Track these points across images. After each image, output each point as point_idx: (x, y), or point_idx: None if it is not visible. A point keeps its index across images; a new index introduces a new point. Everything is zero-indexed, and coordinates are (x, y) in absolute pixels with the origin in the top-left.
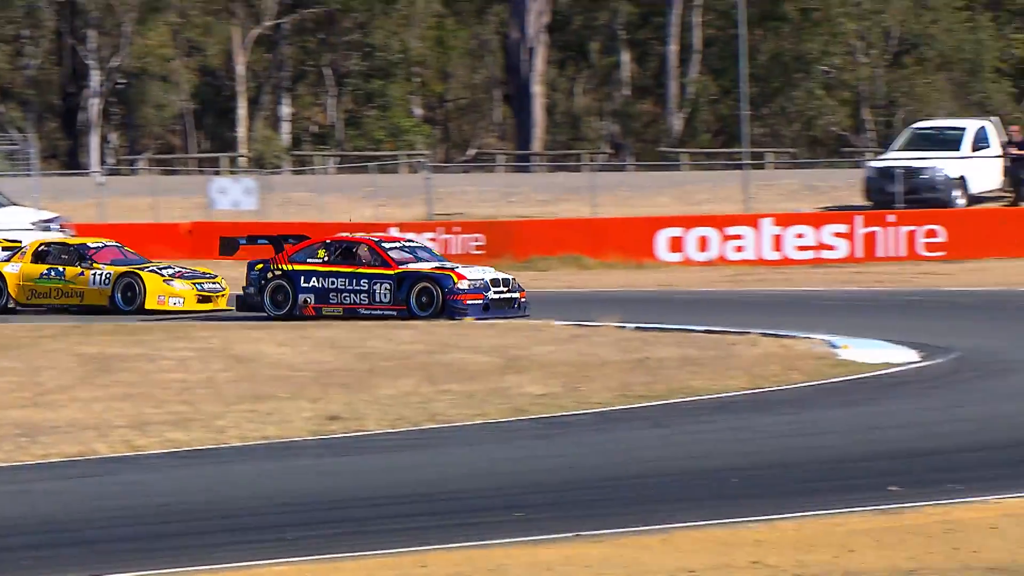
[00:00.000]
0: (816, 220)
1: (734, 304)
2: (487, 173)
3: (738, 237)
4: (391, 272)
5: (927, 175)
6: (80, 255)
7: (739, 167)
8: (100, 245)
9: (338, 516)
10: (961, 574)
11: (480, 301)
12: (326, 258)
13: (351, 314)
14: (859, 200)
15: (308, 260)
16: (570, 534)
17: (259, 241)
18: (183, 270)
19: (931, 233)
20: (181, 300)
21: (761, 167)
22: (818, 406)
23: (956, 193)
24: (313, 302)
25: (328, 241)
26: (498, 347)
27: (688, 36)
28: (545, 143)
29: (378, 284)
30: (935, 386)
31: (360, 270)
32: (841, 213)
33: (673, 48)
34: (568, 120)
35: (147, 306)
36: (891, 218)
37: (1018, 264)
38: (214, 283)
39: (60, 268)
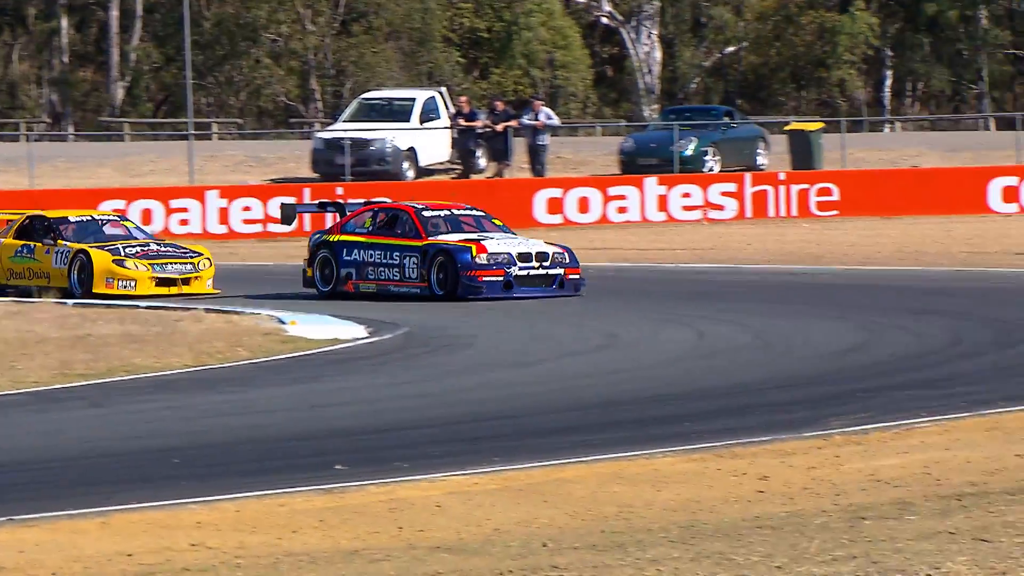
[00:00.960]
0: (263, 193)
1: None
2: None
3: (183, 210)
4: (419, 244)
5: (376, 146)
6: (50, 229)
7: (184, 138)
8: (85, 219)
9: None
10: (406, 553)
11: (499, 278)
12: (370, 228)
13: (383, 292)
14: (307, 172)
15: (356, 230)
16: (2, 518)
17: (327, 208)
18: (159, 248)
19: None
20: (132, 283)
21: (208, 138)
22: (263, 383)
23: (405, 165)
24: (353, 277)
25: (376, 208)
26: None
27: (130, 1)
28: None
29: (408, 258)
30: (383, 362)
31: (393, 242)
32: (289, 185)
33: (115, 14)
34: (5, 88)
35: (95, 289)
36: (339, 190)
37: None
38: (185, 263)
39: (32, 245)
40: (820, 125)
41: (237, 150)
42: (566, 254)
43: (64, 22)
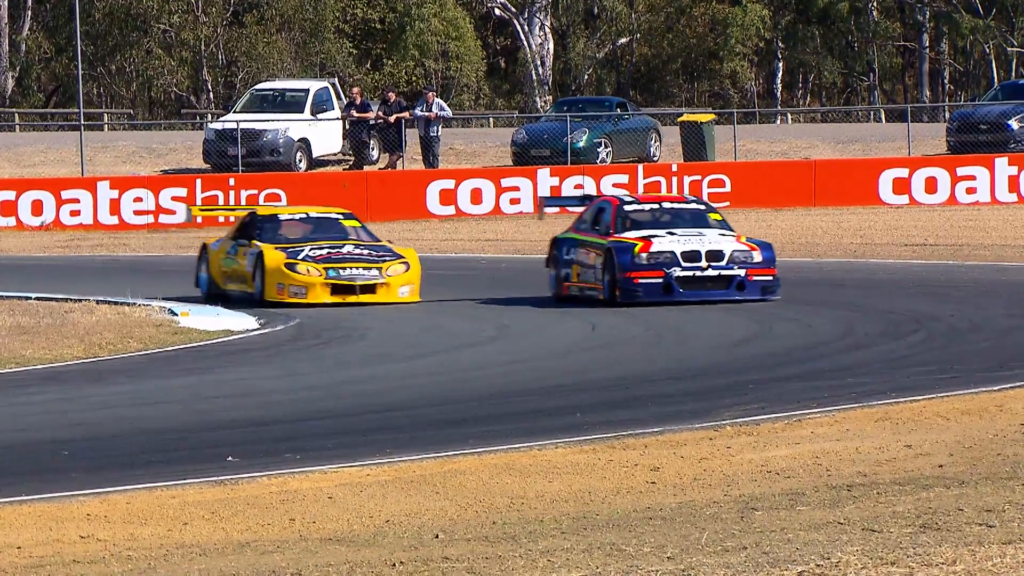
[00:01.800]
0: (155, 184)
1: (70, 271)
2: None
3: (75, 201)
4: (603, 242)
5: (268, 137)
6: (254, 226)
7: (75, 128)
8: (297, 216)
9: None
10: (298, 545)
11: (658, 280)
12: (588, 223)
13: (582, 296)
14: (199, 163)
15: (579, 225)
16: None
17: (586, 201)
18: (357, 251)
19: (273, 197)
20: (303, 290)
21: (99, 129)
22: (155, 375)
23: (298, 156)
24: (569, 279)
25: (599, 200)
26: None
27: None
28: None
29: (597, 257)
30: (275, 354)
31: (591, 239)
32: (181, 176)
33: (3, 3)
34: None
35: (266, 296)
36: (232, 181)
37: None
38: (370, 268)
39: (237, 245)
40: (712, 117)
41: (128, 141)
42: (755, 252)
43: None
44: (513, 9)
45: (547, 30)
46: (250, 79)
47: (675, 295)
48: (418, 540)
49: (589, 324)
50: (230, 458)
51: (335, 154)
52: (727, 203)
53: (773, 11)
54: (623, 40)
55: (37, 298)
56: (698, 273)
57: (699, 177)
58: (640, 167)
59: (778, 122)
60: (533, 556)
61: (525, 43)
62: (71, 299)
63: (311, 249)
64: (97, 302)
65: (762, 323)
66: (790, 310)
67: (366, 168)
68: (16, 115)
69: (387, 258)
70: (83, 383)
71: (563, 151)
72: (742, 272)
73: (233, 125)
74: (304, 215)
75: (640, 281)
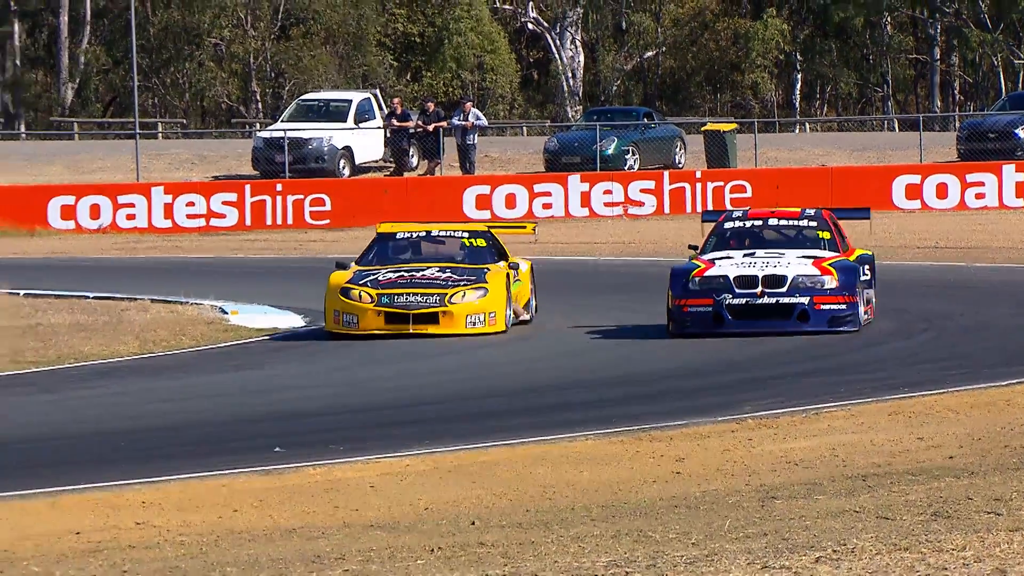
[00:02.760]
0: (206, 189)
1: (126, 271)
2: None
3: (130, 205)
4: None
5: (313, 145)
6: (370, 246)
7: (131, 137)
8: (412, 235)
9: None
10: (341, 531)
11: (708, 308)
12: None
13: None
14: (248, 170)
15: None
16: None
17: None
18: (427, 274)
19: (318, 202)
20: (355, 319)
21: (154, 137)
22: (206, 370)
23: (342, 163)
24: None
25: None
26: None
27: (79, 7)
28: None
29: None
30: (318, 350)
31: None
32: (230, 182)
33: (64, 19)
34: None
35: (326, 325)
36: (279, 187)
37: None
38: (431, 294)
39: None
40: (734, 126)
41: (181, 149)
42: (828, 277)
43: (16, 27)
44: (545, 24)
45: (578, 44)
46: (296, 90)
47: (726, 326)
48: (455, 526)
49: (614, 321)
50: (277, 449)
51: (376, 161)
52: (748, 208)
53: (792, 26)
54: (650, 53)
55: (95, 297)
56: (751, 301)
57: (721, 183)
58: (666, 174)
59: (796, 131)
60: (564, 542)
61: (557, 56)
62: (127, 298)
63: (388, 272)
64: (151, 301)
65: None
66: None
67: (406, 174)
68: (75, 124)
69: (463, 283)
70: (138, 378)
71: (593, 158)
72: (805, 300)
73: (280, 134)
74: (425, 232)
75: (689, 310)
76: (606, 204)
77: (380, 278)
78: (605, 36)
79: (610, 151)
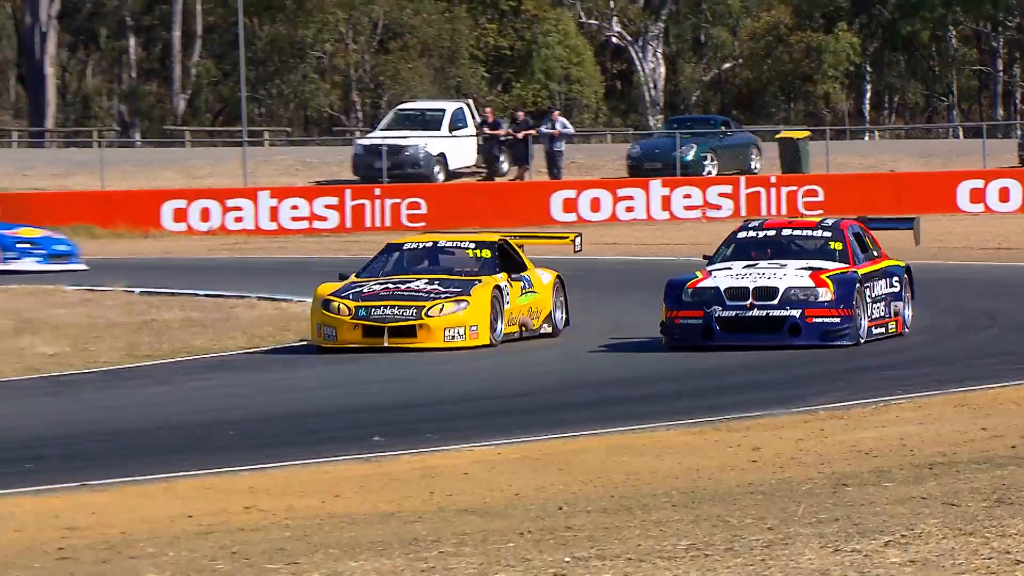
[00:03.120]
0: (309, 193)
1: (234, 271)
2: (3, 148)
3: (238, 208)
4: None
5: (410, 152)
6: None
7: (239, 144)
8: (426, 245)
9: None
10: (437, 515)
11: (698, 320)
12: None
13: None
14: (349, 175)
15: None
16: (77, 483)
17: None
18: (412, 286)
19: (414, 205)
20: (333, 331)
21: (260, 144)
22: (309, 363)
23: (436, 169)
24: None
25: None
26: (11, 310)
27: (191, 23)
28: (58, 121)
29: None
30: None
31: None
32: (332, 187)
33: (177, 34)
34: (80, 100)
35: (311, 338)
36: (377, 191)
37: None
38: (407, 307)
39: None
40: (807, 134)
41: (286, 155)
42: (823, 289)
43: (132, 41)
44: (629, 38)
45: (659, 56)
46: (394, 100)
47: (715, 339)
48: (544, 512)
49: None
50: (376, 438)
51: (469, 167)
52: (821, 211)
53: (862, 39)
54: (727, 65)
55: (205, 295)
56: (741, 314)
57: (795, 188)
58: (742, 179)
59: (866, 138)
60: (647, 526)
61: (639, 68)
62: (235, 296)
63: (376, 283)
64: (258, 298)
65: None
66: None
67: (497, 179)
68: (187, 133)
69: (445, 296)
70: (246, 370)
71: (673, 164)
72: (796, 313)
73: (379, 141)
74: (432, 243)
75: (680, 322)
76: (685, 207)
77: (365, 290)
78: (685, 49)
79: (689, 157)
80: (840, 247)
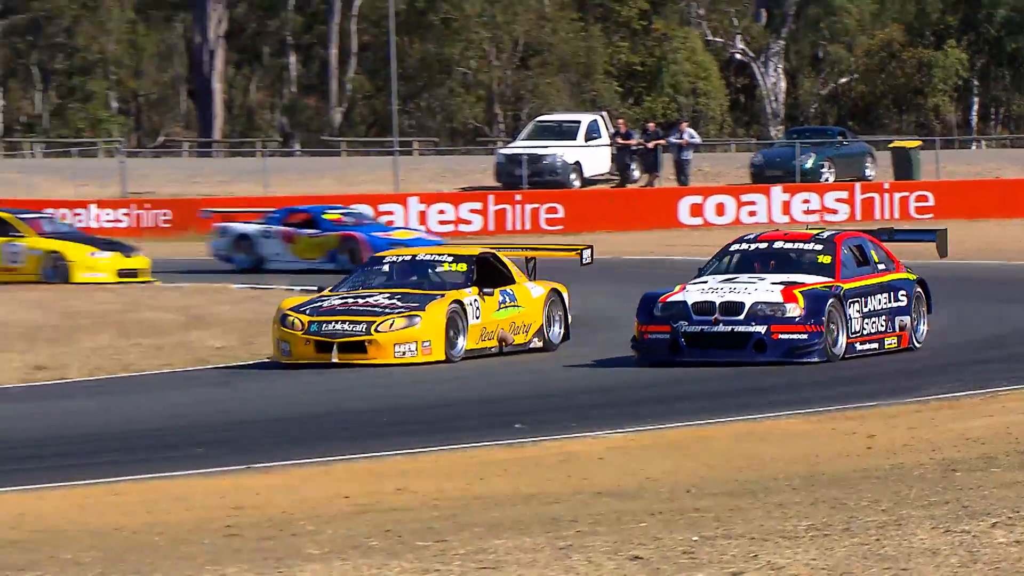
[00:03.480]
0: (455, 199)
1: None
2: (175, 157)
3: (389, 213)
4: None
5: (548, 160)
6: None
7: (391, 153)
8: (405, 258)
9: (46, 452)
10: (574, 497)
11: (665, 335)
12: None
13: None
14: (492, 182)
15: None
16: (243, 466)
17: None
18: (370, 300)
19: (552, 210)
20: (288, 346)
21: (409, 154)
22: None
23: (572, 176)
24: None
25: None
26: (182, 307)
27: (347, 41)
28: (224, 132)
29: None
30: None
31: None
32: (476, 193)
33: (334, 52)
34: (244, 113)
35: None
36: (518, 197)
37: (623, 236)
38: (358, 322)
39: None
40: (918, 143)
41: (434, 164)
42: (791, 305)
43: (292, 59)
44: (752, 54)
45: (780, 71)
46: (534, 112)
47: (681, 354)
48: (673, 494)
49: None
50: (518, 425)
51: (603, 174)
52: (931, 215)
53: (970, 55)
54: (843, 79)
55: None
56: (706, 329)
57: (907, 194)
58: (857, 185)
59: (973, 148)
60: (769, 508)
61: (761, 82)
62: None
63: (337, 298)
64: None
65: (961, 317)
66: (985, 305)
67: (628, 186)
68: (343, 143)
69: (400, 311)
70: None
71: (793, 172)
72: (762, 329)
73: (519, 150)
74: (411, 256)
75: (649, 337)
76: (804, 212)
77: (324, 305)
78: (804, 65)
79: (808, 165)
80: (828, 260)
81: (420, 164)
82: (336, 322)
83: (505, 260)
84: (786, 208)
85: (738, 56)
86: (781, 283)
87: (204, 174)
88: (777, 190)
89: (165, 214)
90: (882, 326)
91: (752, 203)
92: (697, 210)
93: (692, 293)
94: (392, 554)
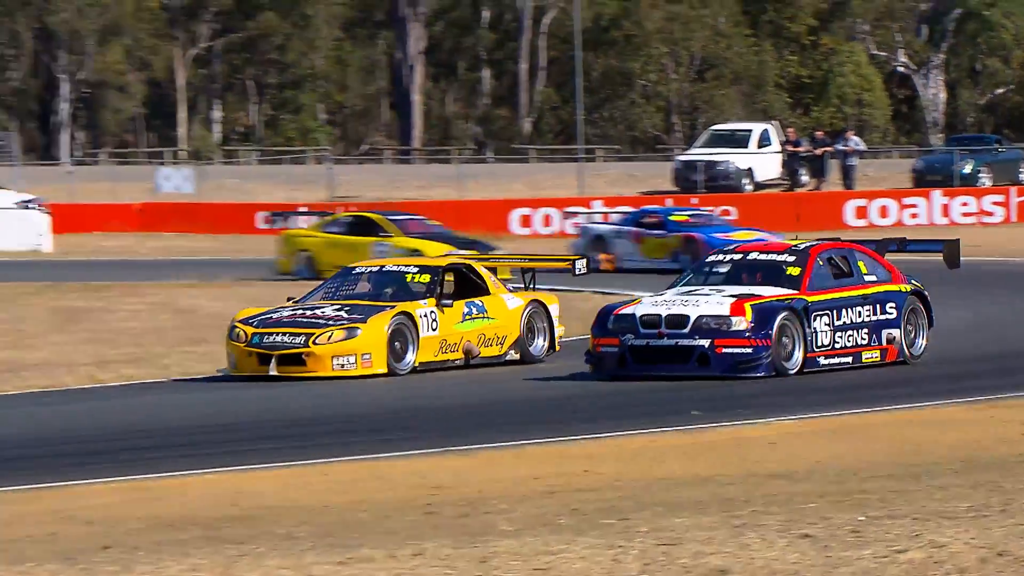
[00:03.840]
0: (636, 202)
1: None
2: (377, 164)
3: (573, 215)
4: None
5: (722, 167)
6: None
7: (575, 160)
8: (373, 269)
9: (263, 434)
10: (748, 479)
11: (615, 349)
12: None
13: None
14: (670, 186)
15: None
16: (440, 449)
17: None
18: (318, 312)
19: (725, 212)
20: (233, 358)
21: (593, 160)
22: None
23: (745, 181)
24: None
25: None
26: None
27: (536, 57)
28: (423, 141)
29: None
30: None
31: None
32: (655, 196)
33: (524, 66)
34: (441, 123)
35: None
36: (694, 200)
37: None
38: (297, 334)
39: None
40: None
41: (616, 170)
42: (737, 318)
43: (486, 73)
44: (913, 67)
45: (940, 83)
46: (709, 122)
47: (628, 368)
48: (841, 477)
49: (973, 312)
50: (694, 412)
51: (773, 179)
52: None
53: None
54: (1000, 90)
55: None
56: (651, 343)
57: None
58: (1013, 189)
59: None
60: (931, 491)
61: (922, 93)
62: (572, 290)
63: (290, 309)
64: (593, 292)
65: None
66: None
67: (797, 190)
68: (532, 150)
69: (342, 323)
70: (570, 356)
71: (952, 176)
72: (706, 343)
73: (696, 157)
74: (378, 267)
75: (601, 350)
76: (963, 214)
77: (274, 316)
78: (963, 76)
79: (967, 170)
80: (796, 272)
81: (603, 170)
82: (277, 334)
83: (481, 271)
84: (945, 211)
85: (900, 69)
86: (736, 296)
87: (404, 180)
88: (937, 194)
89: None
90: (862, 339)
91: (913, 206)
92: (862, 212)
93: (643, 306)
94: (579, 531)
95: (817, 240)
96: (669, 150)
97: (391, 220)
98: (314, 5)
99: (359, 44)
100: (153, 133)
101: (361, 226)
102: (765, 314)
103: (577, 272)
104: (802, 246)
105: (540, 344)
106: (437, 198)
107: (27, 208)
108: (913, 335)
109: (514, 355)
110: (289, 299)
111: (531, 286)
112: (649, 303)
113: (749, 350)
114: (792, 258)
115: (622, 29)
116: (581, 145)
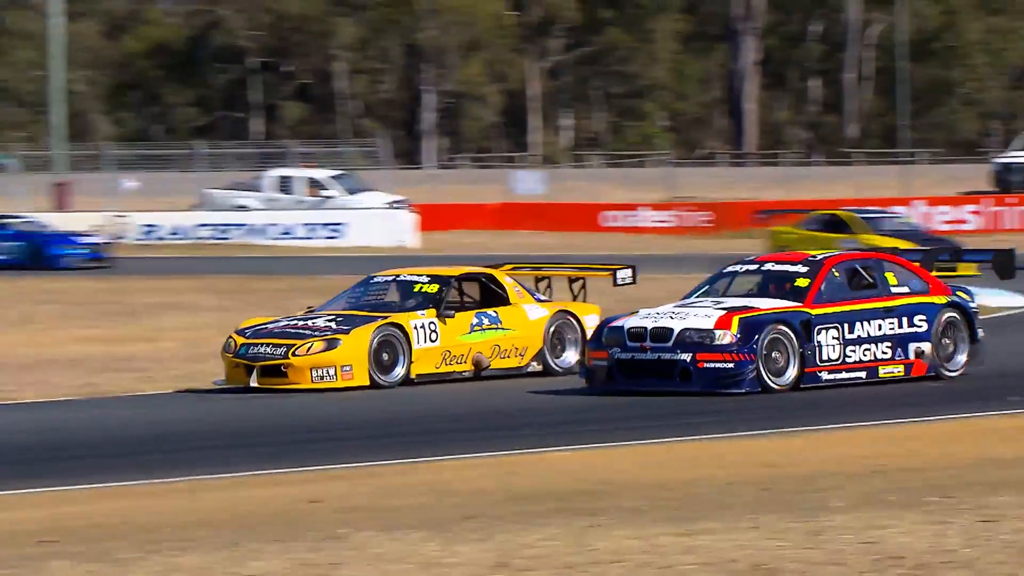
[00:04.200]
0: (956, 201)
1: None
2: (712, 167)
3: (897, 215)
4: None
5: None
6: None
7: (898, 163)
8: (390, 278)
9: (587, 419)
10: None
11: (604, 362)
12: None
13: None
14: (988, 187)
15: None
16: (773, 431)
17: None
18: (306, 323)
19: None
20: (225, 369)
21: (912, 163)
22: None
23: None
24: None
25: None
26: None
27: (862, 67)
28: (756, 146)
29: None
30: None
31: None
32: (974, 196)
33: (850, 76)
34: (772, 128)
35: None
36: (1011, 200)
37: None
38: (280, 344)
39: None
40: None
41: (937, 172)
42: (721, 332)
43: (814, 83)
44: None
45: None
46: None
47: (616, 383)
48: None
49: None
50: (1013, 398)
51: None
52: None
53: None
54: None
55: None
56: (636, 356)
57: None
58: None
59: None
60: (995, 490)
61: None
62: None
63: (289, 319)
64: None
65: None
66: None
67: None
68: (858, 154)
69: (326, 334)
70: None
71: None
72: (687, 357)
73: (1013, 160)
74: (393, 276)
75: (593, 363)
76: None
77: (270, 327)
78: None
79: None
80: (804, 284)
81: (924, 172)
82: (261, 345)
83: (503, 280)
84: None
85: None
86: (728, 308)
87: (738, 181)
88: None
89: (707, 215)
90: (883, 353)
91: None
92: None
93: (634, 318)
94: (905, 507)
95: (850, 249)
96: (987, 153)
97: (862, 218)
98: (656, 21)
99: (697, 56)
100: (508, 139)
101: (833, 224)
102: (751, 328)
103: (619, 282)
104: (819, 256)
105: (569, 356)
106: (765, 198)
107: (395, 208)
108: (952, 350)
109: (536, 367)
110: (308, 307)
111: (579, 298)
112: (642, 315)
113: (731, 365)
114: (804, 269)
115: (944, 40)
116: (904, 149)
